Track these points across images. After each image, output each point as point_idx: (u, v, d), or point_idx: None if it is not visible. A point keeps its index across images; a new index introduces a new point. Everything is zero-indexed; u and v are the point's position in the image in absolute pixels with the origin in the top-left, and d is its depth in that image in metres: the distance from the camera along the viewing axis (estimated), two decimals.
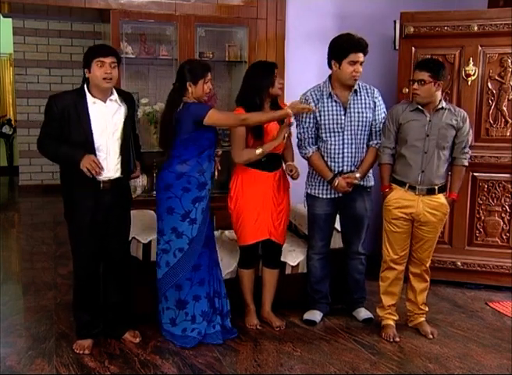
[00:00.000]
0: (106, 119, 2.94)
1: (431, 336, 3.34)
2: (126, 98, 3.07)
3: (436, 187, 3.23)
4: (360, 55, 3.28)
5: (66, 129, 2.87)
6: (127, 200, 3.17)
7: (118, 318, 3.21)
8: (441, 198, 3.25)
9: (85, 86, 2.92)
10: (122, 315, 3.22)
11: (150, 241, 3.42)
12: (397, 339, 3.30)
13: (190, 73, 3.18)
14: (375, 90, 3.47)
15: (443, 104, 3.23)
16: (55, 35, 7.82)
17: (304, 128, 3.42)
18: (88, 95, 2.91)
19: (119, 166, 3.01)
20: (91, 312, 3.13)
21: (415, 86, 3.18)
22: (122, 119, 3.00)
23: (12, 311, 3.69)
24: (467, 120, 3.25)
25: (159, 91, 4.29)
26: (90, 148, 2.90)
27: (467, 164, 3.29)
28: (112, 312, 3.20)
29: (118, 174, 3.01)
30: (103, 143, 2.93)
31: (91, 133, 2.90)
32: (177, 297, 3.22)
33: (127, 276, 3.21)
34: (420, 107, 3.21)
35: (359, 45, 3.28)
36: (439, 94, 3.20)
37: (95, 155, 2.90)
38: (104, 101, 2.94)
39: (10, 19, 7.45)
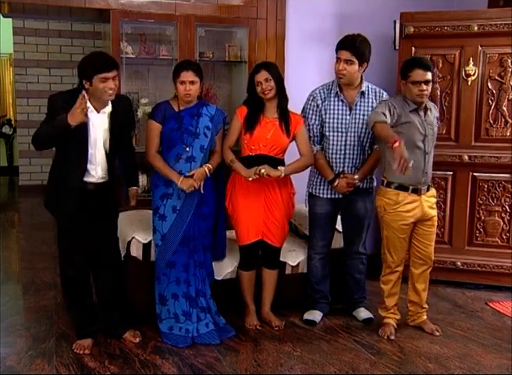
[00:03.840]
0: (97, 129, 2.94)
1: (437, 333, 3.35)
2: (123, 103, 3.05)
3: (411, 188, 3.19)
4: (343, 52, 3.26)
5: None
6: (113, 201, 3.17)
7: (116, 318, 3.21)
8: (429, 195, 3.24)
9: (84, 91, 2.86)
10: (120, 314, 3.22)
11: (150, 241, 3.41)
12: (392, 337, 3.30)
13: (172, 72, 3.23)
14: (384, 93, 3.45)
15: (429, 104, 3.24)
16: (55, 35, 7.80)
17: (309, 125, 3.41)
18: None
19: (106, 172, 3.02)
20: (86, 311, 3.14)
21: (424, 87, 3.09)
22: (108, 132, 2.97)
23: (12, 311, 3.69)
24: None
25: (159, 91, 4.29)
26: (85, 148, 2.91)
27: None
28: (108, 312, 3.20)
29: (103, 179, 3.03)
30: (93, 150, 2.94)
31: (87, 137, 2.89)
32: (158, 291, 3.27)
33: (117, 275, 3.21)
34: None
35: (342, 42, 3.28)
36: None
37: (88, 160, 2.93)
38: (98, 112, 2.93)
39: (10, 19, 7.43)
